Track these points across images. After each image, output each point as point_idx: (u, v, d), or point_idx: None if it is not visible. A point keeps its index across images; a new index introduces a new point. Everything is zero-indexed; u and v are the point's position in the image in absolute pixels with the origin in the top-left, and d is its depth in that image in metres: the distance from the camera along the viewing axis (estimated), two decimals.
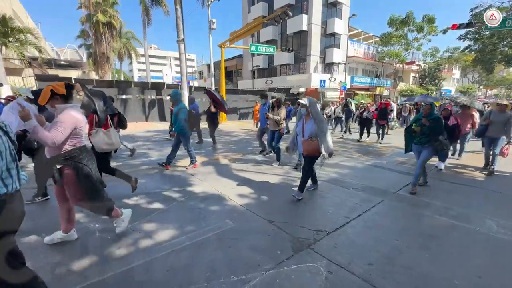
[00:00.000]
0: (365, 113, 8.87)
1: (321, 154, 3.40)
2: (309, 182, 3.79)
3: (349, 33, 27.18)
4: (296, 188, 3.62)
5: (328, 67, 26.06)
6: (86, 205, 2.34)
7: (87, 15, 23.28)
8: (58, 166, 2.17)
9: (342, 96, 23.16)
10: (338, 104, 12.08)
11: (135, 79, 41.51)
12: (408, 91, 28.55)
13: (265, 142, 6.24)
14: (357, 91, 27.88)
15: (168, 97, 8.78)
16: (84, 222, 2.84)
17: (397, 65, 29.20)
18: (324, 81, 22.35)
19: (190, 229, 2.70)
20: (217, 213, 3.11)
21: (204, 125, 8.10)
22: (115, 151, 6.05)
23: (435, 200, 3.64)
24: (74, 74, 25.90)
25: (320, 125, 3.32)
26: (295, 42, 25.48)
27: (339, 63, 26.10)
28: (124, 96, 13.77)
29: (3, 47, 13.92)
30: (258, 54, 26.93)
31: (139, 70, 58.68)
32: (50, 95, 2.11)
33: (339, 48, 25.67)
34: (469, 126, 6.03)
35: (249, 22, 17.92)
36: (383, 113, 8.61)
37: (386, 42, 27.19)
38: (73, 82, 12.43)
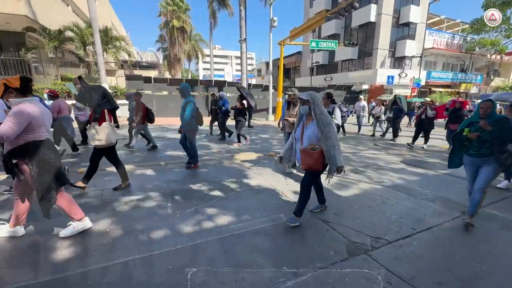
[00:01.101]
0: (428, 112, 7.16)
1: (327, 168, 2.65)
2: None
3: (428, 21, 23.61)
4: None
5: (398, 61, 23.30)
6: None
7: (165, 22, 26.58)
8: (14, 161, 2.15)
9: (415, 93, 20.45)
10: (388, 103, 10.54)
11: (201, 78, 45.48)
12: (507, 88, 23.19)
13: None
14: (434, 88, 24.14)
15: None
16: (158, 200, 3.34)
17: (493, 56, 23.97)
18: (393, 77, 20.11)
19: (245, 218, 2.88)
20: (271, 206, 3.22)
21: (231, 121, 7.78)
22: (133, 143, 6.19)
23: None
24: (152, 74, 29.97)
25: (325, 129, 2.54)
26: (360, 35, 23.60)
27: (412, 57, 23.03)
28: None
29: (104, 53, 17.15)
30: (318, 50, 26.05)
31: (204, 69, 63.90)
32: (3, 88, 2.07)
33: (413, 39, 22.63)
34: None
35: (310, 17, 17.46)
36: (456, 115, 6.40)
37: (479, 29, 22.50)
38: (152, 81, 14.44)
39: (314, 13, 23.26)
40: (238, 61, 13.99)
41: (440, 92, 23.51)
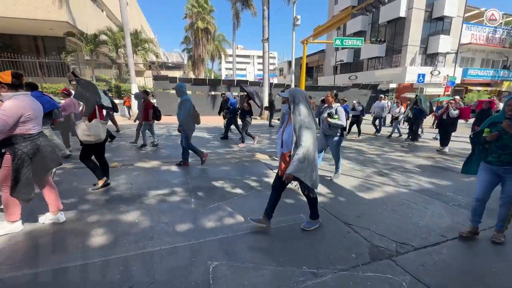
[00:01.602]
0: (451, 112, 6.44)
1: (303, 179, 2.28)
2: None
3: (466, 15, 21.86)
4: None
5: (430, 58, 21.88)
6: (9, 190, 2.27)
7: (190, 24, 27.40)
8: (3, 151, 2.20)
9: (448, 92, 19.10)
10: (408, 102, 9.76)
11: (223, 77, 46.33)
12: None
13: None
14: (470, 87, 22.34)
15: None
16: (182, 195, 3.48)
17: None
18: (424, 75, 18.92)
19: None
20: (291, 206, 3.22)
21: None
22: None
23: None
24: (177, 74, 31.14)
25: (299, 133, 2.22)
26: (389, 31, 22.51)
27: (447, 53, 21.48)
28: (213, 93, 15.65)
29: (134, 55, 18.13)
30: (342, 48, 25.29)
31: (226, 69, 64.93)
32: None
33: (448, 34, 21.09)
34: None
35: (335, 15, 16.97)
36: (484, 117, 5.53)
37: None
38: (177, 81, 14.98)
39: (339, 10, 22.60)
40: (260, 60, 14.07)
41: (478, 91, 21.70)
